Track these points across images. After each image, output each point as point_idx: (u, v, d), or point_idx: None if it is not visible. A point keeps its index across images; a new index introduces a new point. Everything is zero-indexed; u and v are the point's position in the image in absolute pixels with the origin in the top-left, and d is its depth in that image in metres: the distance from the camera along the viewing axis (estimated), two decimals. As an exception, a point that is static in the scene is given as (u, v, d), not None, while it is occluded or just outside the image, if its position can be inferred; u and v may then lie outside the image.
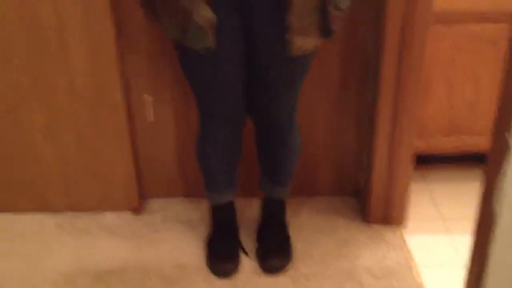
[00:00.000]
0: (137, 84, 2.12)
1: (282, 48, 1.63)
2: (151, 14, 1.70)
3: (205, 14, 1.55)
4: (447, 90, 2.27)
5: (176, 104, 2.15)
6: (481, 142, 2.26)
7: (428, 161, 2.49)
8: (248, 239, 2.12)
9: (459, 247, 2.11)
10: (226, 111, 1.82)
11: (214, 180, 2.03)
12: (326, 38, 1.67)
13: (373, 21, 2.00)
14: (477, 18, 2.14)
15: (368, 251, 2.09)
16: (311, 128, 2.20)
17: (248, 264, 2.03)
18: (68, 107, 2.09)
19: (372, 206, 2.18)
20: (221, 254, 2.02)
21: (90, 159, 2.19)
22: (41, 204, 2.27)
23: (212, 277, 1.98)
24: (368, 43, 2.05)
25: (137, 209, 2.28)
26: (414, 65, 1.91)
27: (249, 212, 2.23)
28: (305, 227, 2.20)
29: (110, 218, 2.26)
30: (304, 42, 1.62)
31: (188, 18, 1.56)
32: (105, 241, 2.15)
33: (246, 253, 2.05)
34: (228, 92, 1.77)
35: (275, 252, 2.02)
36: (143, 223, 2.23)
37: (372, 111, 2.07)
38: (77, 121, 2.12)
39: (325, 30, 1.64)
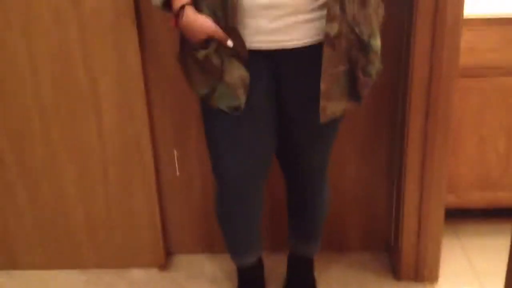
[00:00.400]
0: (164, 138, 2.14)
1: (312, 113, 1.60)
2: (183, 70, 1.69)
3: (238, 73, 1.53)
4: (479, 145, 2.24)
5: (201, 159, 2.15)
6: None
7: (460, 215, 2.43)
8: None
9: (494, 305, 2.04)
10: (246, 177, 1.74)
11: (237, 243, 1.96)
12: (355, 103, 1.64)
13: (400, 76, 2.00)
14: (507, 71, 2.12)
15: (400, 309, 2.03)
16: (340, 182, 2.19)
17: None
18: (98, 162, 2.11)
19: (403, 262, 2.12)
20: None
21: (118, 215, 2.20)
22: (69, 260, 2.27)
23: (238, 336, 1.95)
24: (396, 96, 2.04)
25: (163, 266, 2.26)
26: (441, 120, 1.90)
27: (278, 267, 2.18)
28: (334, 284, 2.15)
29: (137, 275, 2.24)
30: (334, 107, 1.58)
31: (219, 77, 1.55)
32: (131, 298, 2.13)
33: None
34: (253, 155, 1.70)
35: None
36: (169, 280, 2.21)
37: (400, 166, 2.04)
38: (105, 177, 2.13)
39: (354, 95, 1.61)
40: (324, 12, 1.48)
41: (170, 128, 2.13)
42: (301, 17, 1.50)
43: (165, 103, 2.09)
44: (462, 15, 1.78)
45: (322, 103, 1.55)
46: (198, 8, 1.53)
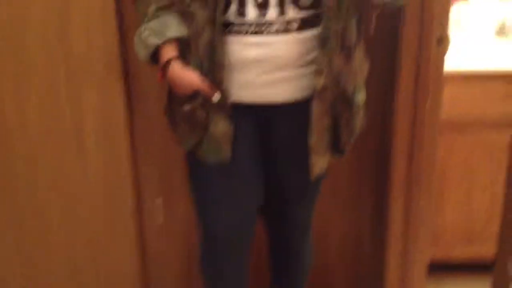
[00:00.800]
0: (148, 186, 2.14)
1: (299, 167, 1.60)
2: (169, 123, 1.69)
3: (222, 127, 1.53)
4: (464, 198, 2.25)
5: (186, 207, 2.14)
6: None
7: (444, 269, 2.42)
8: None
9: None
10: (234, 232, 1.70)
11: None
12: (337, 157, 1.64)
13: (383, 130, 2.02)
14: (490, 124, 2.14)
15: None
16: (324, 238, 2.18)
17: None
18: (81, 209, 2.10)
19: (387, 319, 2.11)
20: None
21: (99, 262, 2.17)
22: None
23: None
24: (379, 150, 2.06)
25: (144, 317, 2.23)
26: (425, 174, 1.91)
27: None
28: None
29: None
30: (321, 161, 1.59)
31: (204, 131, 1.55)
32: None
33: None
34: (240, 210, 1.67)
35: None
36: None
37: (383, 220, 2.04)
38: (87, 225, 2.12)
39: (337, 149, 1.62)
40: (312, 68, 1.49)
41: (154, 176, 2.13)
42: (289, 72, 1.50)
43: (150, 150, 2.10)
44: (442, 72, 1.82)
45: (312, 157, 1.55)
46: (186, 60, 1.53)
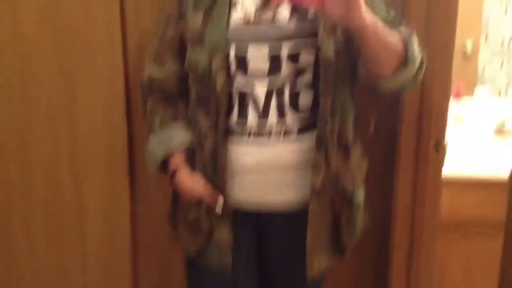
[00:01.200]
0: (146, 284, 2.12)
1: (298, 270, 1.58)
2: (172, 231, 1.70)
3: (224, 234, 1.54)
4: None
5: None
6: None
7: None
8: None
9: None
10: None
11: None
12: (339, 257, 1.62)
13: (381, 228, 2.01)
14: (489, 229, 2.12)
15: None
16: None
17: None
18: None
19: None
20: None
21: None
22: None
23: None
24: (379, 254, 2.05)
25: None
26: (424, 277, 1.89)
27: None
28: None
29: None
30: (320, 262, 1.57)
31: (207, 238, 1.56)
32: None
33: None
34: None
35: None
36: None
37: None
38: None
39: (338, 249, 1.60)
40: (310, 169, 1.49)
41: (154, 275, 2.11)
42: (289, 176, 1.51)
43: (151, 249, 2.10)
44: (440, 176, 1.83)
45: (309, 258, 1.53)
46: (192, 165, 1.57)
